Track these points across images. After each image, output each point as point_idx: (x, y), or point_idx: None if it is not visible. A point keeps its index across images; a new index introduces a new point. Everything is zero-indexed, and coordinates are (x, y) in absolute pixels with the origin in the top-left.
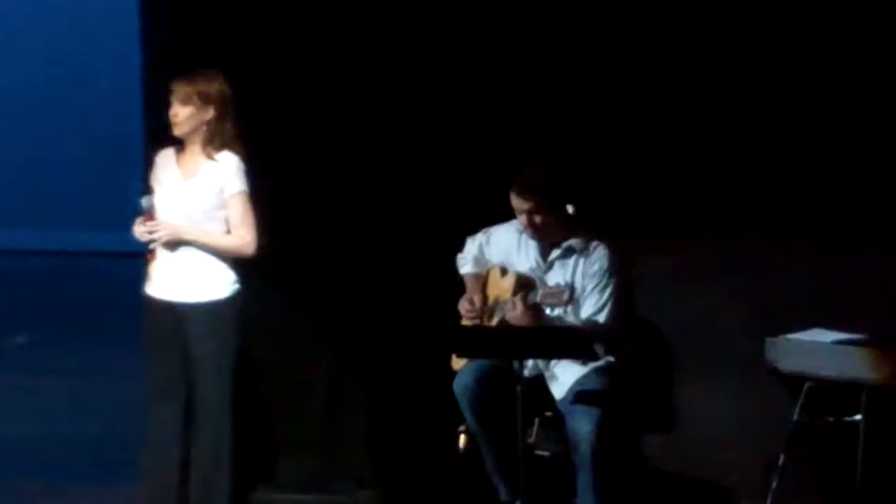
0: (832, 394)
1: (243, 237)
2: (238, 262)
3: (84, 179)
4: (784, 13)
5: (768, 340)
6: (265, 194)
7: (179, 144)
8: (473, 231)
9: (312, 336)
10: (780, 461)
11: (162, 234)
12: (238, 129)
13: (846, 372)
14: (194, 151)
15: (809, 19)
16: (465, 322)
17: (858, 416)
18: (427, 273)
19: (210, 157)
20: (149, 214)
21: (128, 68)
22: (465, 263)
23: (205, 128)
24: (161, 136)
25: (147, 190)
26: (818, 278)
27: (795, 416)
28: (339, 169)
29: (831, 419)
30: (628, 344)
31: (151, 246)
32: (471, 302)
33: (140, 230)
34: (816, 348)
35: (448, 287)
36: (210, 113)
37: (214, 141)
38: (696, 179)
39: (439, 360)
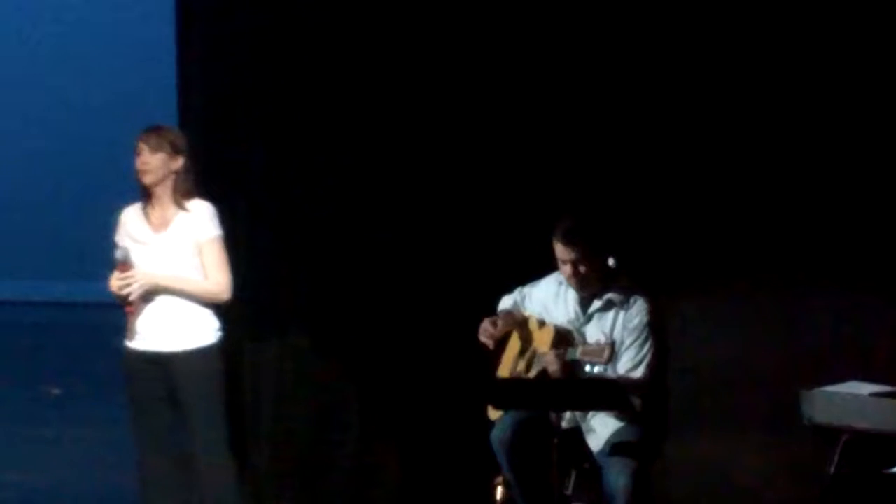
0: (869, 446)
1: (220, 283)
2: (263, 315)
3: (60, 230)
4: (819, 64)
5: (803, 393)
6: (300, 243)
7: (142, 200)
8: (512, 278)
9: (345, 388)
10: None
11: (138, 284)
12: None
13: (883, 424)
14: (163, 203)
15: (847, 71)
16: (482, 338)
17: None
18: (464, 322)
19: (181, 206)
20: (124, 266)
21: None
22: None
23: (173, 177)
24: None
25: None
26: (854, 327)
27: (832, 469)
28: (376, 216)
29: (868, 472)
30: (664, 396)
31: (130, 298)
32: (493, 324)
33: (116, 283)
34: (852, 401)
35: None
36: (179, 162)
37: (182, 190)
38: (730, 228)
39: (476, 411)
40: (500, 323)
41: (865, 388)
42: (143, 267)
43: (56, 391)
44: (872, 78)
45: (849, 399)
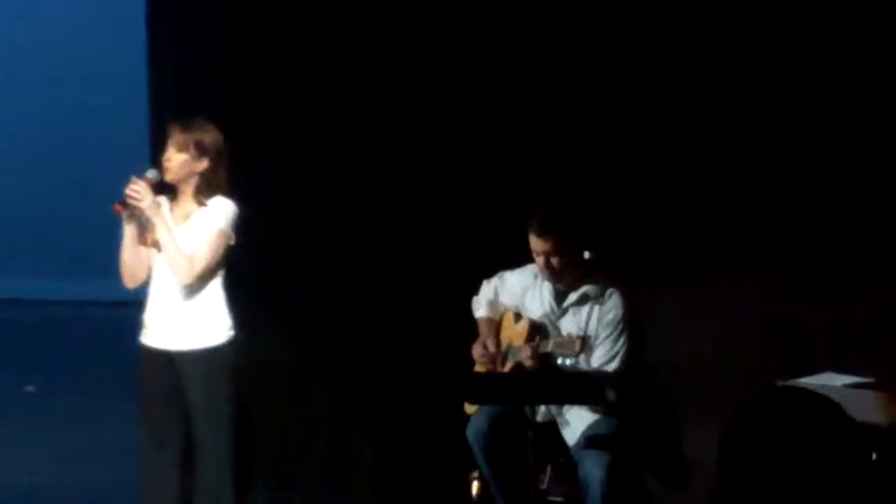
0: None
1: (193, 266)
2: (234, 308)
3: (79, 229)
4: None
5: (779, 385)
6: (270, 234)
7: (166, 193)
8: (487, 273)
9: (319, 379)
10: None
11: (143, 201)
12: (229, 178)
13: (856, 415)
14: (186, 198)
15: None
16: (478, 367)
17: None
18: (440, 315)
19: (202, 203)
20: (148, 181)
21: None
22: (479, 307)
23: (197, 177)
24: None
25: None
26: (829, 320)
27: None
28: (349, 210)
29: None
30: (638, 389)
31: (127, 201)
32: (484, 347)
33: (131, 186)
34: (827, 392)
35: (462, 329)
36: (204, 163)
37: (206, 190)
38: (705, 222)
39: (451, 405)
40: (489, 343)
41: (840, 380)
42: (160, 262)
43: (30, 388)
44: (845, 69)
45: (823, 391)
